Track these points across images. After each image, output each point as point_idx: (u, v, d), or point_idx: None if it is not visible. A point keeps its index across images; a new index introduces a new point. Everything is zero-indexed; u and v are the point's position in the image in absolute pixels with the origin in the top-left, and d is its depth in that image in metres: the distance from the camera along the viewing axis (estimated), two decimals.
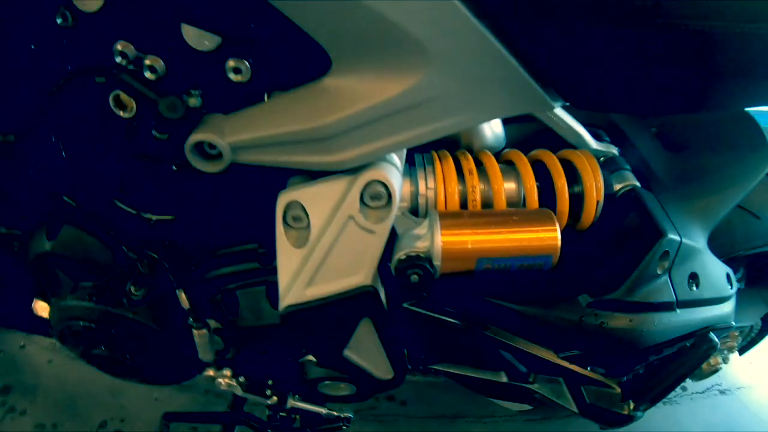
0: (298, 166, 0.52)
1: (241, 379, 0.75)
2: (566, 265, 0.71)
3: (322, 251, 0.55)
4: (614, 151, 0.73)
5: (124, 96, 0.53)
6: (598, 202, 0.63)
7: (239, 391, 0.75)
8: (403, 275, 0.51)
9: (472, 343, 0.68)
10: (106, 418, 1.15)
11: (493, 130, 0.72)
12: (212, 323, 0.69)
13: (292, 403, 0.79)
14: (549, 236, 0.55)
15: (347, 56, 0.45)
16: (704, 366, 0.86)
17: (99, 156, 0.60)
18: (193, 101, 0.52)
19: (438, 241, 0.52)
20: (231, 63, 0.49)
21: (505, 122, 0.77)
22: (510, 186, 0.62)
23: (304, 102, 0.48)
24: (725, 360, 0.89)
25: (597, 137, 0.73)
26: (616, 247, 0.66)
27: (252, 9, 0.45)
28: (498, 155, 0.66)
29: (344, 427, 0.87)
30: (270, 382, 0.77)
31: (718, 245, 0.72)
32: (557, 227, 0.55)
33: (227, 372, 0.75)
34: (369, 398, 0.77)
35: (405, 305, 0.63)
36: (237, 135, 0.51)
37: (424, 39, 0.42)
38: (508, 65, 0.46)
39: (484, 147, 0.71)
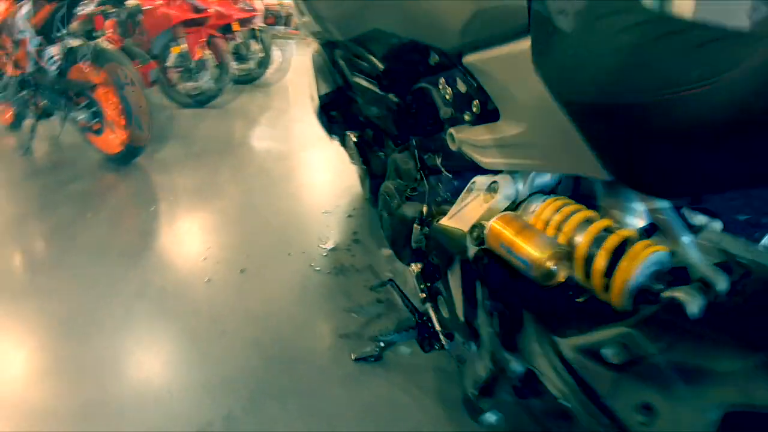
0: (476, 161, 1.02)
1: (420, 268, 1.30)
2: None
3: (461, 204, 1.03)
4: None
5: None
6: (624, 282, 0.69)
7: (411, 277, 1.32)
8: (472, 228, 0.94)
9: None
10: (384, 279, 1.93)
11: (631, 208, 0.80)
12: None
13: (427, 307, 1.29)
14: (537, 249, 0.75)
15: (503, 109, 0.91)
16: None
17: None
18: (466, 116, 1.10)
19: (492, 221, 0.89)
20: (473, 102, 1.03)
21: None
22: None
23: (486, 128, 0.98)
24: None
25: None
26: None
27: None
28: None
29: (436, 347, 1.28)
30: (427, 284, 1.29)
31: None
32: (548, 252, 0.74)
33: (419, 265, 1.33)
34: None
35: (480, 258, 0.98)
36: (462, 135, 1.06)
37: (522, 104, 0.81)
38: (573, 133, 0.66)
39: (613, 217, 0.82)
